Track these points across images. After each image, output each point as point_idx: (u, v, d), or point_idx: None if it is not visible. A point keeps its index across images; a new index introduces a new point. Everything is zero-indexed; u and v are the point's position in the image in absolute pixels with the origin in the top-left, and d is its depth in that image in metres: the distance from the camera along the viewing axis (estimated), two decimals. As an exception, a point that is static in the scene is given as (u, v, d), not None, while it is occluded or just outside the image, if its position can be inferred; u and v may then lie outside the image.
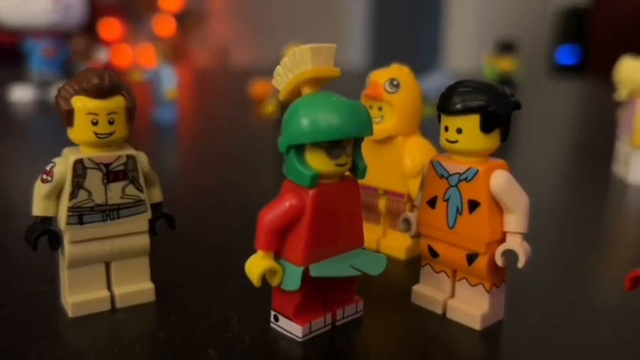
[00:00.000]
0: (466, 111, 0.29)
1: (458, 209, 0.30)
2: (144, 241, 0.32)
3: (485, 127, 0.29)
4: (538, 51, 2.46)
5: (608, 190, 0.63)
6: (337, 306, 0.31)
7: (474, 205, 0.30)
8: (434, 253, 0.32)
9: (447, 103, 0.29)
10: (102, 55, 0.94)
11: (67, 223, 0.30)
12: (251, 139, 0.85)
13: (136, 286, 0.32)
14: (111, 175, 0.30)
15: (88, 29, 1.16)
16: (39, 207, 0.30)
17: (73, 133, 0.30)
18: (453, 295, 0.32)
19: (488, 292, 0.31)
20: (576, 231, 0.50)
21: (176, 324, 0.30)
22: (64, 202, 0.30)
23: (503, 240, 0.30)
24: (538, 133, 0.97)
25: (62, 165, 0.30)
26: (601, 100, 1.14)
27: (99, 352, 0.28)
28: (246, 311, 0.32)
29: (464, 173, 0.30)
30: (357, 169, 0.29)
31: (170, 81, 0.84)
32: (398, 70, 0.38)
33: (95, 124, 0.29)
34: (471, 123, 0.29)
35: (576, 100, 1.57)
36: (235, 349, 0.28)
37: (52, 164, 0.30)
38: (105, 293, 0.31)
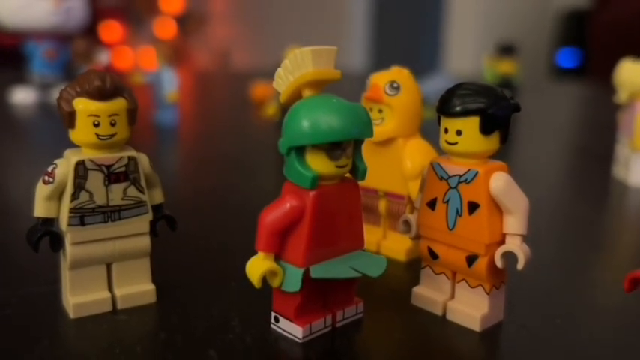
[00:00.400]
0: (466, 113, 0.29)
1: (457, 211, 0.30)
2: (145, 242, 0.32)
3: (485, 130, 0.29)
4: (539, 54, 2.46)
5: (608, 193, 0.63)
6: (337, 307, 0.31)
7: (473, 207, 0.30)
8: (434, 255, 0.32)
9: (446, 105, 0.30)
10: (103, 58, 0.94)
11: (69, 225, 0.30)
12: (252, 142, 0.85)
13: (137, 287, 0.32)
14: (112, 176, 0.30)
15: (89, 32, 1.17)
16: (41, 208, 0.30)
17: (75, 135, 0.30)
18: (452, 296, 0.32)
19: (487, 293, 0.31)
20: (576, 233, 0.50)
21: (177, 325, 0.31)
22: (66, 204, 0.30)
23: (502, 242, 0.30)
24: (538, 136, 0.97)
25: (64, 166, 0.30)
26: (601, 103, 1.14)
27: (100, 353, 0.28)
28: (246, 312, 0.32)
29: (463, 175, 0.30)
30: (358, 170, 0.29)
31: (171, 83, 0.84)
32: (398, 73, 0.38)
33: (97, 125, 0.29)
34: (470, 125, 0.29)
35: (577, 103, 1.57)
36: (236, 349, 0.28)
37: (54, 166, 0.30)
38: (106, 294, 0.32)
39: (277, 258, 0.29)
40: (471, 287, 0.31)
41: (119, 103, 0.30)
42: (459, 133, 0.29)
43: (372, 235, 0.41)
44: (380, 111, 0.38)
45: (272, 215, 0.28)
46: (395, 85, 0.38)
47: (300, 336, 0.29)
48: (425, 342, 0.30)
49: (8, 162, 0.71)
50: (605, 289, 0.38)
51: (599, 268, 0.42)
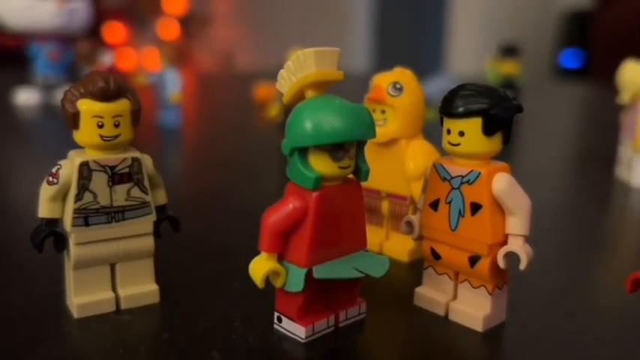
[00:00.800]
0: (468, 114, 0.29)
1: (460, 212, 0.30)
2: (148, 242, 0.32)
3: (488, 130, 0.29)
4: (542, 54, 2.46)
5: (610, 194, 0.63)
6: (340, 307, 0.31)
7: (476, 208, 0.30)
8: (436, 256, 0.32)
9: (449, 106, 0.30)
10: (106, 59, 0.94)
11: (73, 225, 0.30)
12: (254, 143, 0.85)
13: (140, 287, 0.32)
14: (116, 177, 0.30)
15: (93, 33, 1.17)
16: (45, 209, 0.30)
17: (79, 136, 0.30)
18: (455, 297, 0.32)
19: (490, 294, 0.31)
20: (579, 234, 0.50)
21: (180, 325, 0.31)
22: (70, 204, 0.30)
23: (505, 242, 0.30)
24: (541, 137, 0.97)
25: (68, 167, 0.30)
26: (605, 104, 1.14)
27: (104, 353, 0.28)
28: (249, 313, 0.32)
29: (466, 176, 0.30)
30: (360, 171, 0.29)
31: (174, 85, 0.85)
32: (401, 74, 0.38)
33: (101, 126, 0.29)
34: (473, 126, 0.29)
35: (580, 104, 1.57)
36: (239, 350, 0.28)
37: (58, 166, 0.30)
38: (110, 294, 0.32)
39: (280, 258, 0.29)
40: (474, 288, 0.31)
41: (123, 104, 0.30)
42: (461, 133, 0.29)
43: (374, 235, 0.41)
44: (383, 112, 0.38)
45: (275, 216, 0.28)
46: (398, 86, 0.38)
47: (303, 336, 0.29)
48: (427, 342, 0.30)
49: (12, 163, 0.71)
50: (607, 290, 0.38)
51: (602, 269, 0.42)
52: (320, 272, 0.28)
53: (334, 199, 0.29)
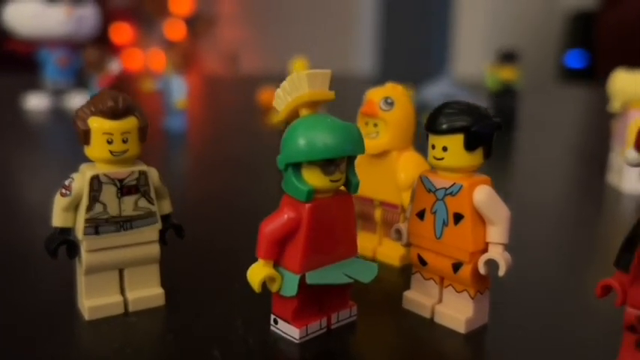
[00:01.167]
0: (451, 131, 0.31)
1: (444, 221, 0.33)
2: (155, 249, 0.35)
3: (469, 146, 0.31)
4: (546, 56, 2.47)
5: (604, 198, 0.65)
6: (332, 310, 0.33)
7: (458, 218, 0.32)
8: (423, 262, 0.34)
9: (433, 123, 0.32)
10: (114, 66, 0.97)
11: (84, 234, 0.32)
12: (258, 146, 0.88)
13: (147, 291, 0.35)
14: (124, 189, 0.33)
15: (100, 37, 1.20)
16: (58, 218, 0.33)
17: (90, 151, 0.32)
18: (440, 300, 0.34)
19: (472, 298, 0.33)
20: (575, 237, 0.52)
21: (184, 326, 0.33)
22: (82, 214, 0.32)
23: (485, 250, 0.32)
24: (542, 139, 0.98)
25: (80, 180, 0.32)
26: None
27: (112, 353, 0.30)
28: (249, 314, 0.34)
29: (449, 188, 0.32)
30: (350, 184, 0.31)
31: (180, 91, 0.87)
32: (392, 89, 0.41)
33: (110, 142, 0.32)
34: (455, 142, 0.31)
35: (583, 106, 1.58)
36: (239, 350, 0.31)
37: (71, 179, 0.32)
38: (118, 298, 0.34)
39: (276, 265, 0.31)
40: (457, 292, 0.33)
41: (131, 122, 0.32)
42: (444, 149, 0.32)
43: (368, 241, 0.43)
44: (375, 125, 0.40)
45: (271, 226, 0.31)
46: (389, 101, 0.40)
47: (297, 337, 0.31)
48: (414, 343, 0.33)
49: (22, 165, 0.74)
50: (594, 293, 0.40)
51: (593, 271, 0.44)
52: (312, 278, 0.31)
53: (326, 210, 0.31)
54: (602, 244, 0.52)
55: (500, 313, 0.35)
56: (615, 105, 0.64)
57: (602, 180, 0.69)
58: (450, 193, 0.32)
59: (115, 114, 0.32)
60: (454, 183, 0.32)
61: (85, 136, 0.32)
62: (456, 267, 0.33)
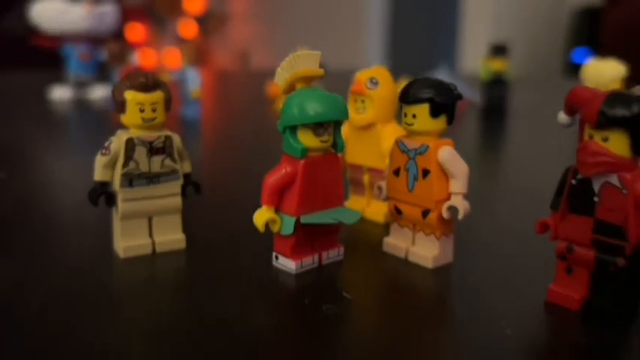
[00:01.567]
0: (419, 101, 0.38)
1: (415, 176, 0.40)
2: (177, 201, 0.42)
3: (434, 113, 0.38)
4: (553, 51, 2.52)
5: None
6: (323, 249, 0.40)
7: (426, 173, 0.39)
8: (399, 211, 0.41)
9: (405, 95, 0.39)
10: (133, 59, 1.05)
11: (121, 186, 0.40)
12: (266, 132, 0.95)
13: (170, 235, 0.42)
14: (153, 150, 0.40)
15: (119, 34, 1.27)
16: (99, 174, 0.40)
17: (125, 119, 0.40)
18: (413, 243, 0.41)
19: (438, 239, 0.40)
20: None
21: (201, 265, 0.40)
22: (118, 170, 0.39)
23: (448, 199, 0.39)
24: (550, 132, 1.05)
25: (117, 142, 0.40)
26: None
27: (143, 284, 0.38)
28: (254, 252, 0.41)
29: (419, 148, 0.39)
30: (337, 145, 0.38)
31: (195, 81, 0.95)
32: (377, 71, 0.48)
33: (142, 111, 0.39)
34: (422, 110, 0.38)
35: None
36: (247, 281, 0.38)
37: (110, 141, 0.40)
38: (147, 240, 0.41)
39: (276, 210, 0.38)
40: (426, 235, 0.40)
41: (158, 95, 0.39)
42: (414, 116, 0.39)
43: (358, 203, 0.50)
44: (362, 102, 0.47)
45: (272, 178, 0.38)
46: (374, 80, 0.47)
47: (294, 269, 0.39)
48: (391, 277, 0.40)
49: (47, 150, 0.82)
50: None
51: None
52: (305, 219, 0.38)
53: (317, 166, 0.38)
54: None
55: (465, 254, 0.42)
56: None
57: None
58: (420, 153, 0.39)
59: (145, 88, 0.39)
60: (422, 144, 0.39)
61: (122, 106, 0.39)
62: (425, 214, 0.40)
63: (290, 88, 0.38)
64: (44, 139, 0.89)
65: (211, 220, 0.49)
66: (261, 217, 0.38)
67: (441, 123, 0.39)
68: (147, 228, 0.41)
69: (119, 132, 0.41)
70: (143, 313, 0.34)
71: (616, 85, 0.68)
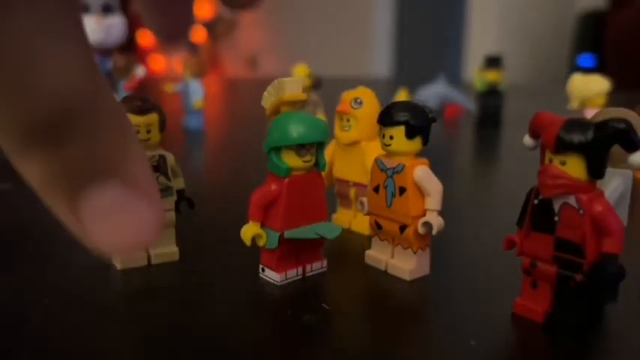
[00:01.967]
0: (395, 123, 0.41)
1: (392, 194, 0.42)
2: (171, 216, 0.44)
3: (409, 135, 0.41)
4: (559, 55, 2.53)
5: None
6: (307, 262, 0.43)
7: (402, 190, 0.42)
8: (379, 226, 0.44)
9: (383, 117, 0.41)
10: (138, 71, 1.08)
11: (118, 202, 0.42)
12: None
13: (165, 248, 0.45)
14: (148, 168, 0.43)
15: (126, 46, 1.31)
16: (98, 191, 0.43)
17: (122, 140, 0.42)
18: (392, 256, 0.44)
19: (415, 253, 0.42)
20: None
21: (192, 276, 0.43)
22: (116, 188, 0.42)
23: (424, 215, 0.42)
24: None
25: (114, 162, 0.42)
26: (615, 104, 1.23)
27: (138, 292, 0.40)
28: (243, 265, 0.44)
29: (396, 167, 0.42)
30: (319, 164, 0.41)
31: (197, 93, 0.98)
32: (362, 92, 0.50)
33: (137, 132, 0.42)
34: (399, 132, 0.41)
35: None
36: (237, 291, 0.41)
37: (108, 161, 0.42)
38: (143, 253, 0.44)
39: (262, 225, 0.41)
40: (404, 249, 0.43)
41: (152, 117, 0.42)
42: (391, 137, 0.41)
43: (345, 215, 0.53)
44: (347, 120, 0.50)
45: (258, 195, 0.41)
46: (358, 100, 0.49)
47: (278, 280, 0.41)
48: (371, 287, 0.42)
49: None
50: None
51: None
52: (289, 234, 0.40)
53: (300, 184, 0.41)
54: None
55: (440, 266, 0.44)
56: (574, 104, 0.73)
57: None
58: (397, 172, 0.42)
59: (141, 111, 0.42)
60: (399, 163, 0.42)
61: (119, 128, 0.42)
62: (402, 229, 0.42)
63: (275, 111, 0.41)
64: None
65: (204, 232, 0.52)
66: (248, 232, 0.41)
67: (416, 144, 0.41)
68: (143, 241, 0.44)
69: (116, 152, 0.43)
70: (138, 321, 0.36)
71: (601, 100, 0.70)
